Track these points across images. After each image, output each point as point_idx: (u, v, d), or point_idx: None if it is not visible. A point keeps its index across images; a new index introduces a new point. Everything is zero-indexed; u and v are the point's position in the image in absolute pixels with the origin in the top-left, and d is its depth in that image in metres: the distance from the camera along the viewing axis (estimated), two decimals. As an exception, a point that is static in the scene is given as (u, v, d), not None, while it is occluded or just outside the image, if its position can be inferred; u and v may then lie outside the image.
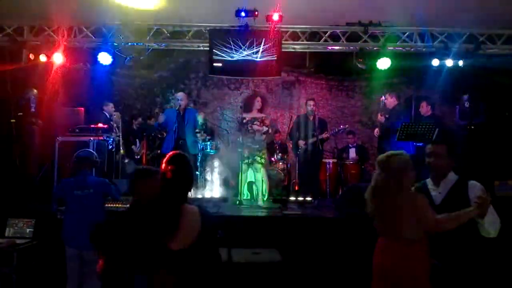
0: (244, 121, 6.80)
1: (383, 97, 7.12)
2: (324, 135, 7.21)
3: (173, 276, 2.26)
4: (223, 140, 8.10)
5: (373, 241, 2.99)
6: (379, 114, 6.99)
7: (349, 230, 5.05)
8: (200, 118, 7.01)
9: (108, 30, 7.45)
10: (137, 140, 8.36)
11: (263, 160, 6.98)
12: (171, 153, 2.53)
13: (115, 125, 7.73)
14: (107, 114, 7.79)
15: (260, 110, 6.92)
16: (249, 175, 7.07)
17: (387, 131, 6.69)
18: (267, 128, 6.89)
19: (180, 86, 9.84)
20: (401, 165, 2.84)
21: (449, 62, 7.34)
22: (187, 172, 2.47)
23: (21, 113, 6.87)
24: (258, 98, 6.95)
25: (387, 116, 6.89)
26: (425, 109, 6.97)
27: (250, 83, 9.95)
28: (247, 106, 6.99)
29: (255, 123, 6.81)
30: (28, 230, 5.01)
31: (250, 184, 7.23)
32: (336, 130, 7.45)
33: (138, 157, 8.21)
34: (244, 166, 6.87)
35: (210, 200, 6.90)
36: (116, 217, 2.65)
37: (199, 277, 2.31)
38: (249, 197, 7.27)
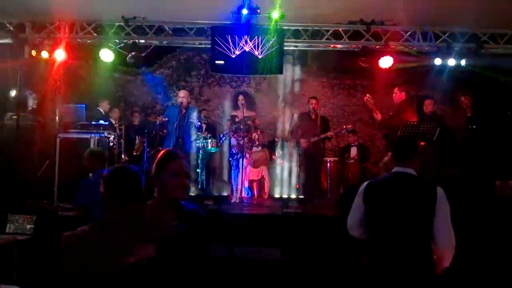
0: (237, 119, 6.84)
1: (368, 96, 7.13)
2: (329, 133, 7.21)
3: None
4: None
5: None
6: (374, 114, 6.97)
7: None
8: (195, 117, 6.94)
9: (109, 27, 7.44)
10: (136, 136, 8.34)
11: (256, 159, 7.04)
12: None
13: (116, 123, 7.74)
14: (102, 111, 7.78)
15: (249, 109, 6.96)
16: (247, 173, 7.09)
17: (393, 128, 6.64)
18: (258, 128, 6.94)
19: (182, 84, 9.82)
20: None
21: (451, 62, 7.32)
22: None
23: (23, 110, 6.87)
24: (241, 97, 6.97)
25: (390, 113, 6.87)
26: (430, 107, 6.96)
27: (251, 81, 9.93)
28: (235, 105, 7.04)
29: (248, 122, 6.85)
30: (28, 226, 5.01)
31: (249, 182, 7.26)
32: (339, 129, 7.45)
33: (138, 153, 8.19)
34: (240, 163, 6.90)
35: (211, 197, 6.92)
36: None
37: None
38: (249, 195, 7.29)
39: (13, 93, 6.90)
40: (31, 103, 7.05)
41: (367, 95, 7.19)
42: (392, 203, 2.69)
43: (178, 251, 2.14)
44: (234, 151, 6.98)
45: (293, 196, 7.15)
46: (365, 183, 2.86)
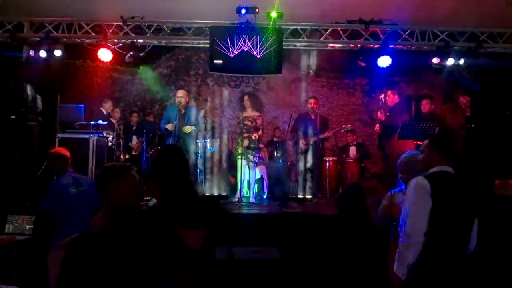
0: (238, 120, 6.88)
1: (382, 95, 7.16)
2: (326, 134, 7.21)
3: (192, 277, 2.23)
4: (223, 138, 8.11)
5: (372, 239, 3.00)
6: (378, 112, 7.02)
7: (349, 228, 5.04)
8: (194, 113, 6.99)
9: (108, 26, 7.43)
10: (133, 136, 8.34)
11: (255, 159, 7.02)
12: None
13: (115, 123, 7.73)
14: (104, 111, 7.77)
15: (254, 109, 6.97)
16: (246, 173, 7.09)
17: (388, 129, 6.70)
18: (259, 128, 6.94)
19: (180, 83, 9.82)
20: None
21: (450, 61, 7.32)
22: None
23: (21, 110, 6.86)
24: (246, 97, 6.99)
25: (387, 114, 6.90)
26: (427, 107, 6.98)
27: (250, 80, 9.93)
28: (241, 106, 7.08)
29: (245, 122, 6.86)
30: (27, 226, 5.00)
31: (248, 182, 7.26)
32: (338, 129, 7.46)
33: (136, 153, 8.19)
34: (239, 163, 6.90)
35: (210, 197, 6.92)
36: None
37: (206, 275, 2.27)
38: (248, 195, 7.29)
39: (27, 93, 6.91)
40: (39, 104, 7.06)
41: (383, 94, 7.21)
42: (458, 203, 2.62)
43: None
44: (237, 151, 6.99)
45: (292, 195, 7.14)
46: (425, 180, 2.60)
